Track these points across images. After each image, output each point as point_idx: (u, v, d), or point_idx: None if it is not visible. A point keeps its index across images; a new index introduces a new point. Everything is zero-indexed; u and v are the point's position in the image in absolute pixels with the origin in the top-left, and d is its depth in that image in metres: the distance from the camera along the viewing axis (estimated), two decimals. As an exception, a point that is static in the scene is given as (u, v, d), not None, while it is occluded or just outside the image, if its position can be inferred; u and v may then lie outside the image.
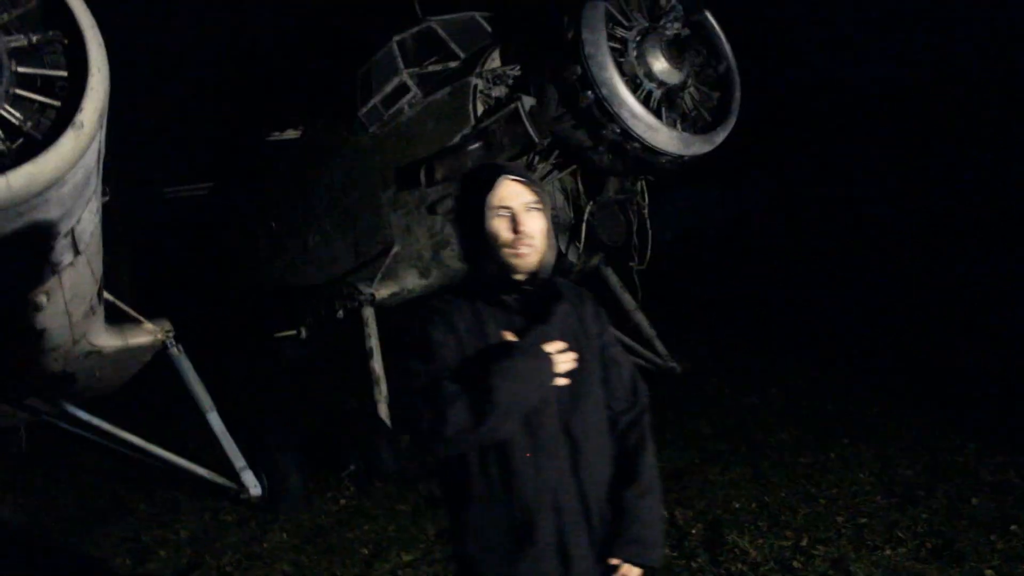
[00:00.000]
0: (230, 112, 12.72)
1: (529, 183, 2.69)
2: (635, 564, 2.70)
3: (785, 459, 7.12)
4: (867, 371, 9.33)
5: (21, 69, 4.15)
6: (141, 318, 7.05)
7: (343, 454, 7.97)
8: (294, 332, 9.44)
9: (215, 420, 7.49)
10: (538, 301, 2.71)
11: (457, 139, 7.76)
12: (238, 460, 7.51)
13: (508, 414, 2.48)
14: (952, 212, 14.74)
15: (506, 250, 2.64)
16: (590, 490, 2.66)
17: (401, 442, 7.92)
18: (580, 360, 2.66)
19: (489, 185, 2.66)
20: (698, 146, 7.18)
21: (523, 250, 2.63)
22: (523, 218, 2.64)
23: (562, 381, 2.61)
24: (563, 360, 2.60)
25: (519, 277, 2.68)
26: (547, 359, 2.57)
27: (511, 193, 2.66)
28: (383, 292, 8.51)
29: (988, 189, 14.86)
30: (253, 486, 7.47)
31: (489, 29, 8.52)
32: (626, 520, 2.68)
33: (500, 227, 2.64)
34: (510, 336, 2.64)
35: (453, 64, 8.34)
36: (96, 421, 7.30)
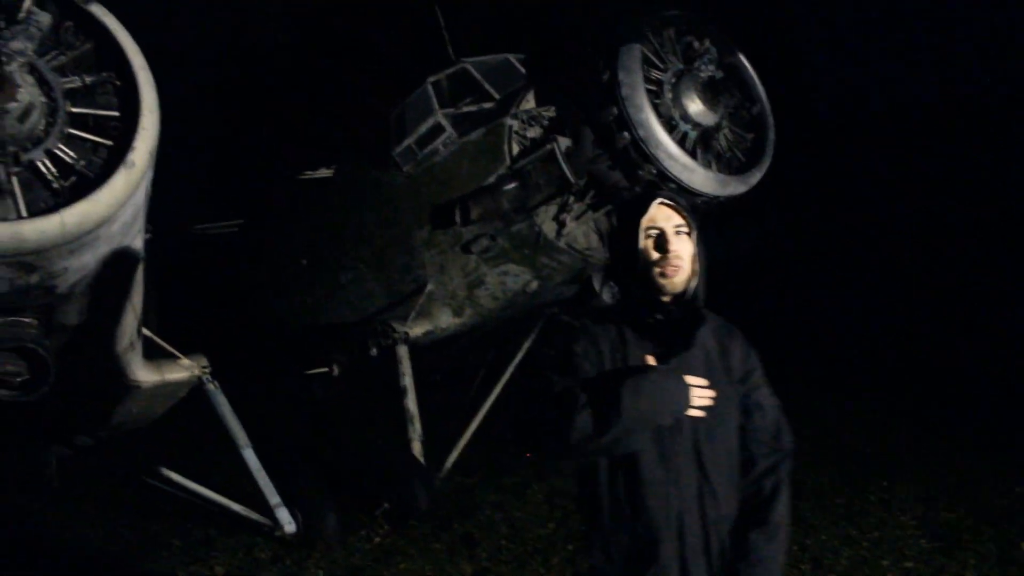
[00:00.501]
0: (261, 150, 12.85)
1: (679, 208, 2.79)
2: None
3: (824, 501, 7.04)
4: (900, 404, 9.24)
5: (75, 109, 4.25)
6: (178, 354, 7.10)
7: (377, 492, 7.95)
8: (326, 370, 9.45)
9: (250, 456, 7.51)
10: (683, 326, 2.77)
11: (493, 179, 7.81)
12: (273, 497, 7.50)
13: (631, 429, 2.54)
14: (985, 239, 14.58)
15: (655, 270, 2.73)
16: (713, 523, 2.71)
17: (434, 481, 7.92)
18: (719, 397, 2.70)
19: (642, 207, 2.77)
20: (734, 187, 7.21)
21: (670, 270, 2.72)
22: (672, 239, 2.73)
23: (696, 412, 2.65)
24: (699, 393, 2.65)
25: (666, 299, 2.76)
26: (682, 385, 2.63)
27: (662, 215, 2.76)
28: (417, 331, 8.53)
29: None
30: (288, 523, 7.46)
31: (523, 71, 8.59)
32: (749, 561, 2.70)
33: (649, 247, 2.74)
34: (651, 360, 2.70)
35: (487, 105, 8.41)
36: (132, 456, 7.34)
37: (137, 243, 4.84)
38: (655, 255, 2.73)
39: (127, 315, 5.47)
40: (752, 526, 2.74)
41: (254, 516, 7.61)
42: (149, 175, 4.45)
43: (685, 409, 2.62)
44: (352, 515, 7.89)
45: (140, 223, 4.78)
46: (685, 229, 2.77)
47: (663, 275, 2.72)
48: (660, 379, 2.60)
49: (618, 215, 2.94)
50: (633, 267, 2.76)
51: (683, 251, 2.74)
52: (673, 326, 2.76)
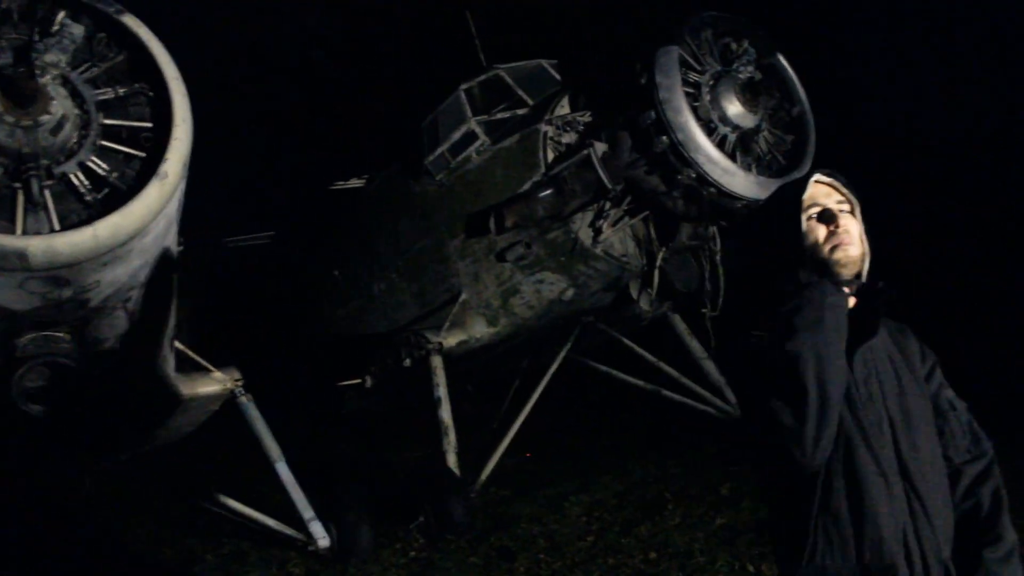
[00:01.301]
0: (293, 160, 12.82)
1: (838, 184, 2.54)
2: None
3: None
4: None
5: (108, 121, 4.18)
6: (211, 367, 7.04)
7: (412, 505, 7.85)
8: (359, 381, 9.37)
9: (283, 470, 7.42)
10: (866, 308, 2.48)
11: (528, 186, 7.69)
12: (306, 511, 7.40)
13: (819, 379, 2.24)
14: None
15: (826, 248, 2.45)
16: (932, 551, 2.34)
17: (470, 493, 7.80)
18: (911, 396, 2.45)
19: (801, 187, 2.51)
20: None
21: (844, 242, 2.45)
22: (837, 214, 2.47)
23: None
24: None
25: (845, 275, 2.47)
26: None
27: (821, 193, 2.51)
28: (451, 341, 8.43)
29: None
30: (321, 537, 7.35)
31: (557, 76, 8.48)
32: None
33: (814, 227, 2.47)
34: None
35: (521, 111, 8.30)
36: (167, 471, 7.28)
37: (170, 255, 4.76)
38: (823, 233, 2.45)
39: (161, 328, 5.41)
40: (983, 545, 2.40)
41: (288, 531, 7.51)
42: (182, 186, 4.38)
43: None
44: (387, 529, 7.80)
45: (173, 235, 4.71)
46: (847, 206, 2.51)
47: (837, 249, 2.44)
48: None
49: (774, 202, 2.63)
50: (802, 252, 2.47)
51: (851, 226, 2.48)
52: (854, 311, 2.45)
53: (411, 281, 9.23)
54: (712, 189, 6.90)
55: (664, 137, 6.84)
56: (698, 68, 7.17)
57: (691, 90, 7.02)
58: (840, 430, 2.32)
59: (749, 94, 7.07)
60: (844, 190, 2.53)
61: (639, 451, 9.22)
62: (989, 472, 2.49)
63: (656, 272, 7.66)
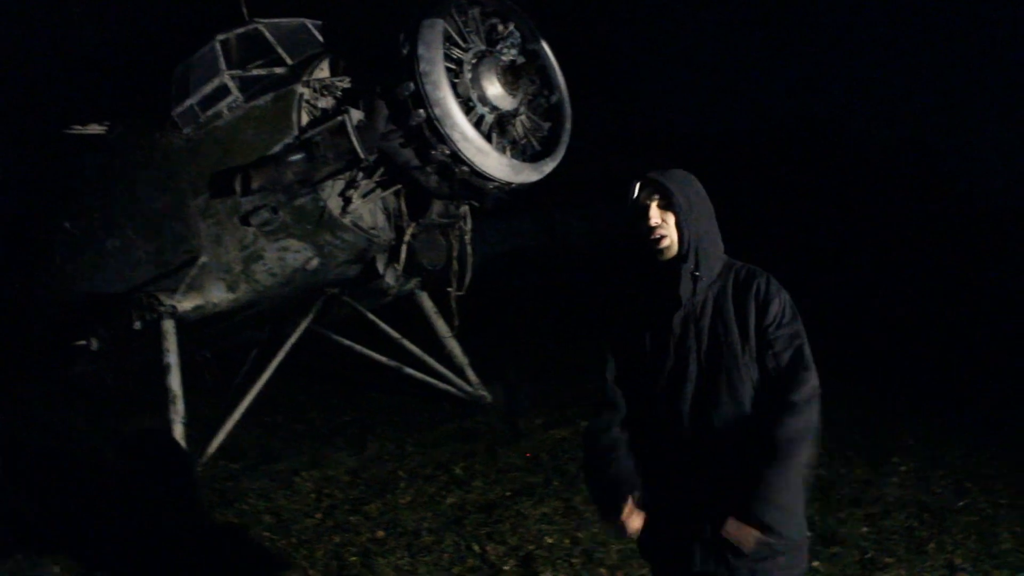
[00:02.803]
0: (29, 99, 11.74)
1: (659, 182, 3.08)
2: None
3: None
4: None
5: None
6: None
7: (134, 478, 7.35)
8: (83, 343, 8.68)
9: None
10: (672, 287, 3.08)
11: (278, 148, 7.34)
12: None
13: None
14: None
15: (649, 238, 3.08)
16: (719, 476, 2.95)
17: (196, 466, 7.41)
18: (721, 344, 3.00)
19: (631, 188, 3.12)
20: (526, 174, 7.10)
21: (653, 242, 3.07)
22: (653, 213, 3.07)
23: None
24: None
25: (665, 257, 3.11)
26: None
27: (644, 193, 3.11)
28: (186, 305, 7.94)
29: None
30: None
31: (320, 38, 8.15)
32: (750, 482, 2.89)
33: (640, 223, 3.09)
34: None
35: (279, 70, 7.90)
36: None
37: None
38: (644, 228, 3.07)
39: None
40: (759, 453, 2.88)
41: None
42: None
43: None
44: (105, 504, 7.27)
45: None
46: (664, 202, 3.05)
47: (653, 241, 3.06)
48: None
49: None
50: (637, 243, 3.12)
51: (666, 220, 3.05)
52: (667, 288, 3.08)
53: (148, 239, 8.60)
54: (465, 167, 6.84)
55: (421, 110, 6.70)
56: (463, 45, 7.07)
57: (453, 66, 6.91)
58: (644, 382, 3.11)
59: (510, 76, 7.04)
60: (664, 185, 3.05)
61: (378, 428, 9.07)
62: (787, 399, 2.90)
63: (403, 248, 7.52)
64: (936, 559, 5.52)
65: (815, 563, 5.46)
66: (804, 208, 17.32)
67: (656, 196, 3.07)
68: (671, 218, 3.04)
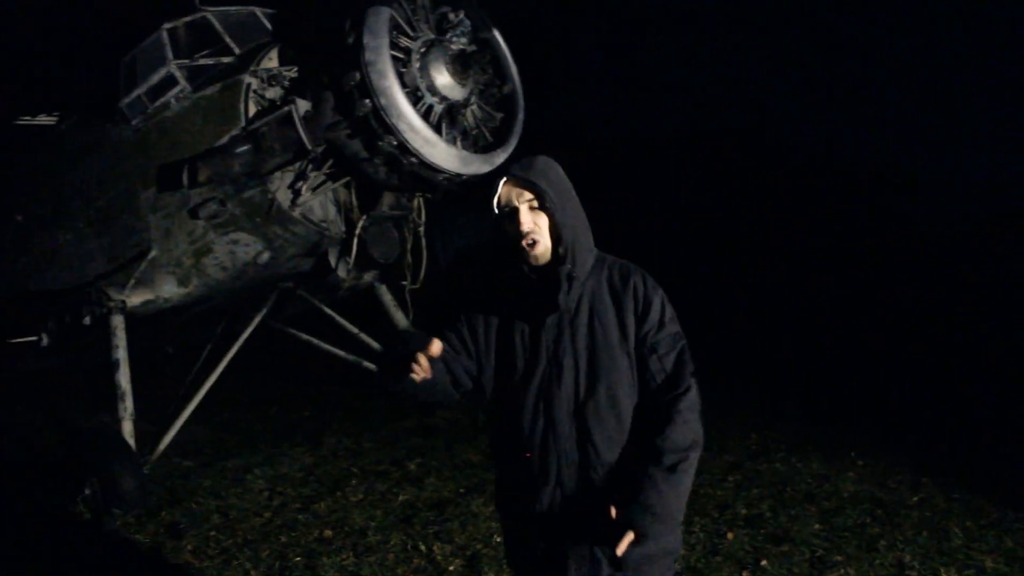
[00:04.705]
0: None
1: (528, 181, 2.82)
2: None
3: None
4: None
5: None
6: None
7: (79, 476, 7.20)
8: (34, 338, 8.51)
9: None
10: (551, 290, 2.88)
11: (225, 140, 7.19)
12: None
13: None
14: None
15: (520, 243, 2.84)
16: (594, 472, 2.84)
17: (143, 464, 7.26)
18: (597, 347, 2.84)
19: (495, 189, 2.86)
20: (477, 165, 6.95)
21: (527, 246, 2.84)
22: (524, 215, 2.82)
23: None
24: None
25: (539, 263, 2.89)
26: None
27: (513, 193, 2.85)
28: (135, 300, 7.80)
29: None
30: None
31: (269, 26, 7.99)
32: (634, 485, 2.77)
33: (508, 226, 2.86)
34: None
35: (227, 59, 7.75)
36: None
37: None
38: (514, 230, 2.82)
39: None
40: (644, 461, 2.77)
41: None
42: None
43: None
44: (51, 502, 7.15)
45: None
46: (536, 202, 2.82)
47: (525, 248, 2.82)
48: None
49: (485, 201, 2.89)
50: (507, 246, 2.88)
51: (539, 223, 2.82)
52: (542, 292, 2.87)
53: (100, 233, 8.46)
54: (413, 159, 6.70)
55: (367, 100, 6.55)
56: (411, 34, 6.91)
57: (401, 55, 6.76)
58: (515, 387, 2.90)
59: (459, 66, 6.89)
60: (536, 186, 2.80)
61: (336, 424, 8.96)
62: (674, 402, 2.79)
63: (355, 241, 7.38)
64: (886, 556, 5.45)
65: (763, 562, 5.40)
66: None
67: (525, 196, 2.83)
68: (543, 220, 2.83)
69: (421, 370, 2.63)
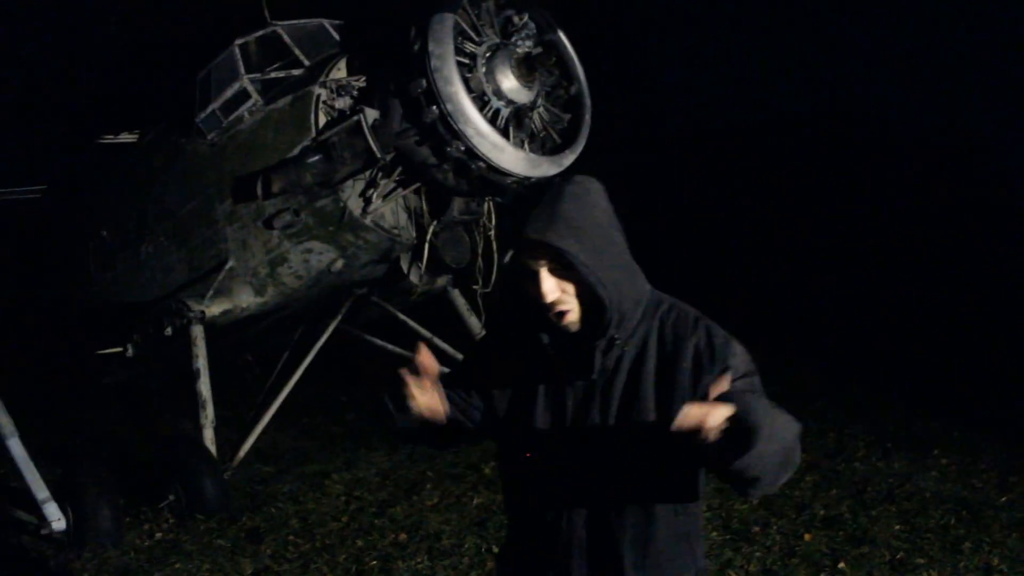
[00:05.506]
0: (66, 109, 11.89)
1: (547, 243, 2.14)
2: None
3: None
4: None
5: None
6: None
7: (162, 483, 7.39)
8: (120, 350, 8.78)
9: (16, 446, 6.79)
10: (583, 356, 2.29)
11: (297, 151, 7.32)
12: (40, 491, 6.78)
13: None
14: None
15: (549, 313, 2.24)
16: (612, 532, 2.30)
17: (224, 470, 7.42)
18: (630, 414, 2.25)
19: (516, 249, 2.25)
20: (545, 168, 6.95)
21: (555, 317, 2.23)
22: (545, 282, 2.19)
23: None
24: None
25: (572, 331, 2.29)
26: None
27: (533, 256, 2.19)
28: (214, 310, 7.99)
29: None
30: (56, 520, 6.75)
31: (337, 37, 8.10)
32: None
33: (534, 293, 2.22)
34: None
35: (297, 72, 7.89)
36: None
37: None
38: (539, 300, 2.20)
39: None
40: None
41: (19, 513, 6.92)
42: None
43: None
44: (137, 509, 7.34)
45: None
46: (558, 266, 2.17)
47: (554, 317, 2.22)
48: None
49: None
50: (535, 318, 2.28)
51: (567, 289, 2.19)
52: (573, 355, 2.29)
53: (180, 245, 8.69)
54: (481, 163, 6.73)
55: (434, 107, 6.61)
56: (475, 39, 6.95)
57: (466, 61, 6.80)
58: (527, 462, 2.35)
59: (525, 68, 6.89)
60: (557, 246, 2.13)
61: (412, 428, 9.02)
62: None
63: (426, 246, 7.45)
64: (972, 560, 5.26)
65: (841, 564, 5.28)
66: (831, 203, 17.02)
67: (545, 261, 2.17)
68: (571, 287, 2.20)
69: (420, 391, 2.20)
